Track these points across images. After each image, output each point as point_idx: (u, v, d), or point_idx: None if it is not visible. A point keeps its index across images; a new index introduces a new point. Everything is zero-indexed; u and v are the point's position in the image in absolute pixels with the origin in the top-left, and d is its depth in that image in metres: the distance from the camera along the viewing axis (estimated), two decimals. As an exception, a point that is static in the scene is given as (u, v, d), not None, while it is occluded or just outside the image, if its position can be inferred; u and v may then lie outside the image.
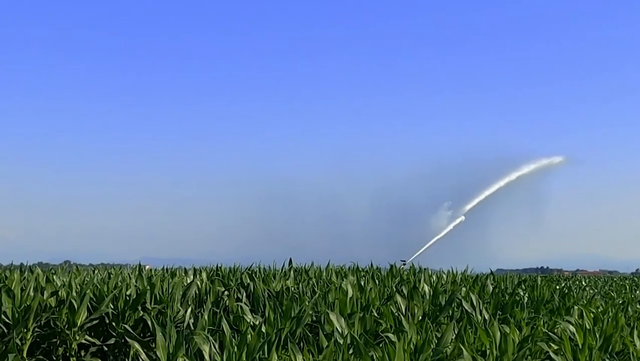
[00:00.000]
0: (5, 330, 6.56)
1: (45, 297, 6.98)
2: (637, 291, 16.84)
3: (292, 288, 8.55)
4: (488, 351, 5.47)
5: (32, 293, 6.90)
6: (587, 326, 6.47)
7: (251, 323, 6.35)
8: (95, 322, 7.06)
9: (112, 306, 7.16)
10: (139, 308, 7.24)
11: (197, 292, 8.09)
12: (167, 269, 10.66)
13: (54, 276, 8.20)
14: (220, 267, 10.66)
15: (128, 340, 6.53)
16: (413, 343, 5.26)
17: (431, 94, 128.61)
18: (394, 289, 8.51)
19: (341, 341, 5.40)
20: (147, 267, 11.05)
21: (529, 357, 5.66)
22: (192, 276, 9.34)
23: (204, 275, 9.50)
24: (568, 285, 14.99)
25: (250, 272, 9.98)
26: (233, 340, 5.20)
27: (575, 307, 8.22)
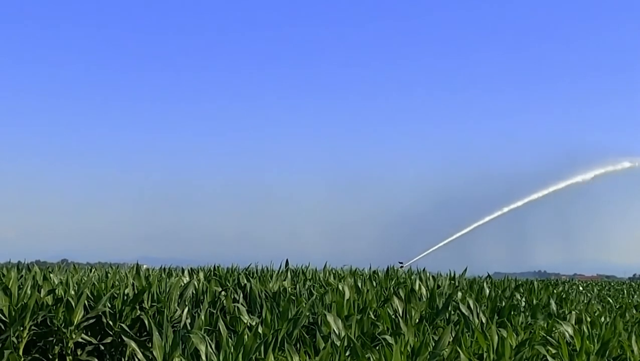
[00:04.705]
0: (2, 328, 6.55)
1: (42, 295, 6.97)
2: (635, 296, 16.84)
3: (290, 289, 8.54)
4: (485, 355, 5.46)
5: (29, 292, 6.89)
6: (585, 331, 6.46)
7: (248, 324, 6.34)
8: (92, 321, 7.05)
9: (109, 305, 7.15)
10: (137, 307, 7.23)
11: (194, 292, 8.08)
12: (164, 269, 10.65)
13: (51, 275, 8.18)
14: (218, 267, 10.66)
15: (125, 339, 6.52)
16: (410, 346, 5.25)
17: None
18: (392, 291, 8.50)
19: (338, 343, 5.39)
20: (144, 267, 11.02)
21: (526, 361, 5.65)
22: (189, 277, 9.34)
23: (201, 275, 9.50)
24: (565, 289, 14.98)
25: (247, 273, 9.97)
26: (230, 340, 5.18)
27: (573, 312, 8.22)
